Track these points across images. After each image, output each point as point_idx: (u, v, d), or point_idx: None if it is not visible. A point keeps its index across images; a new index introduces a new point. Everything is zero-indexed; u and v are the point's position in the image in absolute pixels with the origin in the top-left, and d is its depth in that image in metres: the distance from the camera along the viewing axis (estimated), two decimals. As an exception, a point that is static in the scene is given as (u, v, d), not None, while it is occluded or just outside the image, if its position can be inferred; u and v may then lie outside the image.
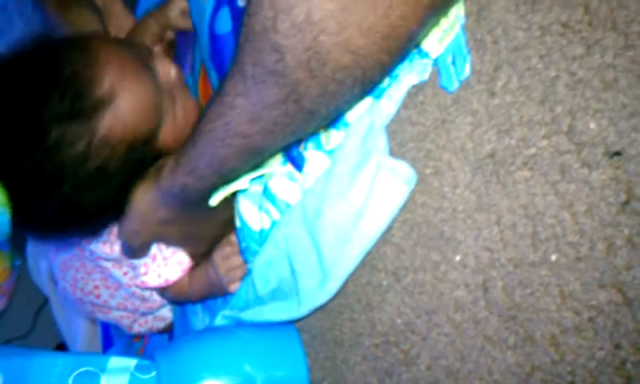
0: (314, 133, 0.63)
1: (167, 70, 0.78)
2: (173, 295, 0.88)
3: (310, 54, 0.46)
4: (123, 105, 0.71)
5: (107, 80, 0.70)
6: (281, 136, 0.55)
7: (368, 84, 0.51)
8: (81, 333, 1.44)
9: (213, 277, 0.82)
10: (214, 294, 0.84)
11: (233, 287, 0.79)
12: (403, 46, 0.48)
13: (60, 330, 1.52)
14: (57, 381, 0.67)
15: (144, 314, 1.02)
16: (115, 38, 0.80)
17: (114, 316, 1.01)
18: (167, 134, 0.77)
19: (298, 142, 0.66)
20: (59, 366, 0.68)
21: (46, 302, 1.61)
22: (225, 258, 0.80)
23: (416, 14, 0.45)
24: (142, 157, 0.75)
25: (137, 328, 1.04)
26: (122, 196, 0.76)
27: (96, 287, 0.97)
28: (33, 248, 1.54)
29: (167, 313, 1.05)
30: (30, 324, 1.70)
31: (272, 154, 0.64)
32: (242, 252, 0.77)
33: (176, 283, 0.85)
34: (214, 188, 0.68)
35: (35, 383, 0.67)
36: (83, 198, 0.73)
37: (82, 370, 0.68)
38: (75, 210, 0.75)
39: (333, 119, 0.59)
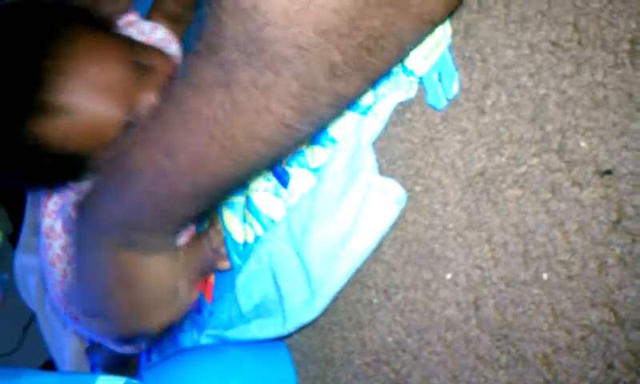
0: (251, 174, 0.53)
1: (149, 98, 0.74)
2: None
3: (249, 38, 0.42)
4: (75, 122, 0.69)
5: (78, 93, 0.68)
6: (199, 139, 0.48)
7: (309, 86, 0.44)
8: (68, 350, 1.43)
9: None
10: None
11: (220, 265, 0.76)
12: (360, 46, 0.43)
13: (48, 347, 1.51)
14: (44, 402, 0.66)
15: None
16: (134, 42, 0.76)
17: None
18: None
19: (241, 185, 0.57)
20: (46, 387, 0.67)
21: (33, 318, 1.60)
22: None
23: (384, 12, 0.41)
24: (71, 164, 0.74)
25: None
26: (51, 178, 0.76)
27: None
28: (20, 263, 1.54)
29: None
30: (18, 341, 1.69)
31: (200, 187, 0.53)
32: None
33: None
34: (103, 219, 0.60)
35: (22, 404, 0.66)
36: (11, 170, 0.73)
37: (69, 390, 0.67)
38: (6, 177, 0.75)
39: (272, 158, 0.51)
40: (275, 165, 0.60)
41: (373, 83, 0.48)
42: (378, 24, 0.42)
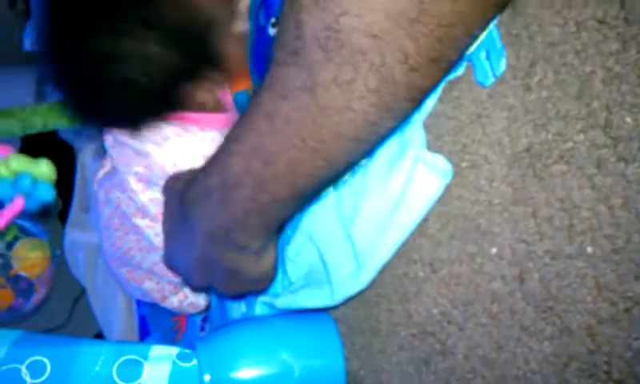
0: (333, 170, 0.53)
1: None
2: None
3: (329, 34, 0.44)
4: None
5: None
6: (292, 144, 0.50)
7: (387, 80, 0.45)
8: (118, 324, 1.47)
9: None
10: None
11: None
12: (432, 35, 0.44)
13: (97, 320, 1.55)
14: (101, 369, 0.69)
15: (176, 291, 1.03)
16: None
17: (146, 287, 1.02)
18: (229, 40, 0.78)
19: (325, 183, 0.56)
20: (104, 355, 0.70)
21: (82, 293, 1.64)
22: None
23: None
24: (199, 46, 0.76)
25: (168, 303, 1.05)
26: (164, 92, 0.79)
27: (130, 249, 0.99)
28: (70, 239, 1.58)
29: (201, 301, 1.07)
30: (67, 315, 1.73)
31: (298, 190, 0.55)
32: None
33: None
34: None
35: (81, 371, 0.69)
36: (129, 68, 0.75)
37: (125, 358, 0.70)
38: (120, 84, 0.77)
39: (354, 155, 0.52)
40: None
41: (446, 74, 0.48)
42: (446, 10, 0.43)
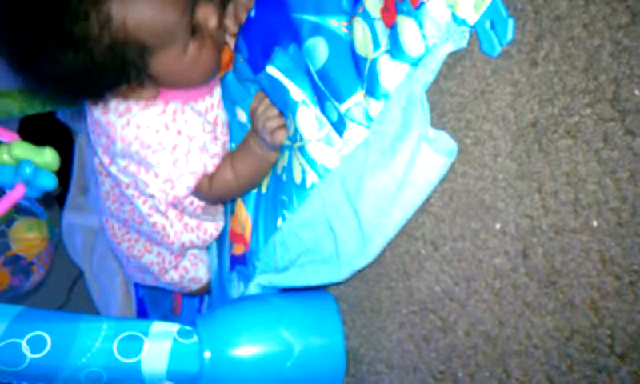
0: None
1: (206, 15, 0.77)
2: (219, 190, 0.89)
3: None
4: (140, 4, 0.72)
5: None
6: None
7: None
8: (116, 306, 1.47)
9: (254, 147, 0.85)
10: (262, 169, 0.86)
11: (276, 136, 0.80)
12: None
13: (94, 303, 1.55)
14: (102, 344, 0.69)
15: (176, 262, 1.03)
16: None
17: (146, 261, 1.03)
18: (167, 62, 0.77)
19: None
20: (104, 330, 0.70)
21: (80, 275, 1.64)
22: (261, 113, 0.82)
23: None
24: (129, 60, 0.75)
25: (168, 278, 1.06)
26: (94, 83, 0.78)
27: (125, 220, 0.99)
28: (68, 222, 1.57)
29: (201, 274, 1.07)
30: (65, 297, 1.72)
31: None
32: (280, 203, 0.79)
33: (219, 177, 0.87)
34: None
35: (81, 346, 0.69)
36: (62, 57, 0.73)
37: (126, 334, 0.70)
38: (51, 65, 0.75)
39: None
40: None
41: None
42: None
